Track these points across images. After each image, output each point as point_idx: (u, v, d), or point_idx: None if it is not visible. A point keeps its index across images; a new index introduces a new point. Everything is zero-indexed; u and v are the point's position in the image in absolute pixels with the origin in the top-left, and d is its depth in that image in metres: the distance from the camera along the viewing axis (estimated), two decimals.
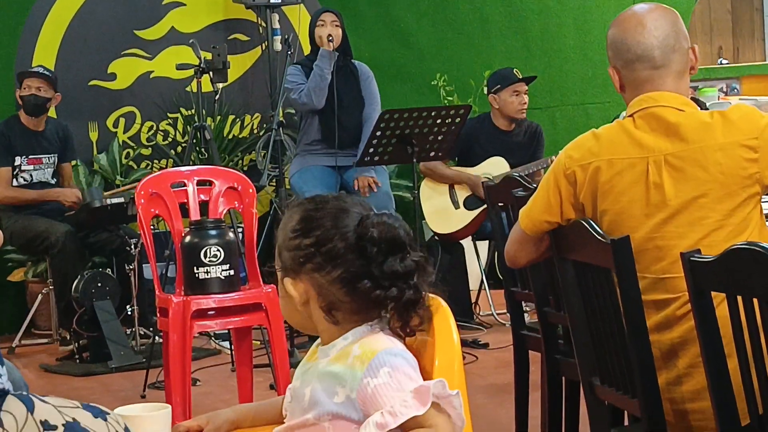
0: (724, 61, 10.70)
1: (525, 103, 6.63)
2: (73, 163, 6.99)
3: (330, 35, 6.36)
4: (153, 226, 6.16)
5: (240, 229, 5.38)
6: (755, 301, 2.26)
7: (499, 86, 6.62)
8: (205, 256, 4.49)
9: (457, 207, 6.66)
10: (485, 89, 6.94)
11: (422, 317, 2.01)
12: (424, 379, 1.95)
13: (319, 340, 2.09)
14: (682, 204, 2.80)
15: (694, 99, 6.26)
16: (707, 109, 5.13)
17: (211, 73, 6.07)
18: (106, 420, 1.80)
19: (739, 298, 2.31)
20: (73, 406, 1.80)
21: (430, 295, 2.04)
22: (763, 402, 2.33)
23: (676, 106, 2.85)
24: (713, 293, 2.41)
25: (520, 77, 6.61)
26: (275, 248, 2.07)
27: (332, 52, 6.36)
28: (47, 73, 6.64)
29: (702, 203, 2.78)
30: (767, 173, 2.77)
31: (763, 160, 2.77)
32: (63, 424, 1.76)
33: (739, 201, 2.78)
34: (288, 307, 2.07)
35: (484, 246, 6.95)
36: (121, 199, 6.31)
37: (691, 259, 2.39)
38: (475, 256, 6.80)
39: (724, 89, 9.48)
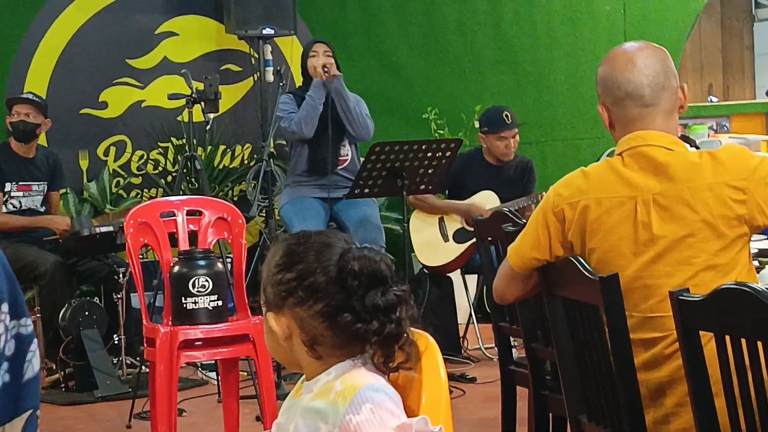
0: (714, 99, 10.76)
1: (511, 148, 6.63)
2: (63, 191, 6.98)
3: (325, 65, 6.34)
4: (142, 255, 6.15)
5: (229, 260, 5.37)
6: (743, 340, 2.26)
7: (486, 129, 6.63)
8: (194, 287, 4.48)
9: (446, 240, 6.66)
10: (476, 123, 6.95)
11: (409, 354, 2.00)
12: (410, 417, 1.95)
13: (304, 376, 2.08)
14: (670, 243, 2.80)
15: (683, 136, 6.28)
16: (697, 146, 5.15)
17: (202, 103, 6.07)
18: None
19: (728, 337, 2.31)
20: None
21: (418, 331, 2.03)
22: None
23: (665, 146, 2.86)
24: (701, 332, 2.41)
25: (509, 122, 6.59)
26: (262, 283, 2.07)
27: (326, 82, 6.34)
28: (36, 99, 6.63)
29: (690, 243, 2.79)
30: (756, 215, 2.78)
31: (751, 202, 2.77)
32: None
33: (727, 241, 2.78)
34: (272, 343, 2.07)
35: (472, 279, 6.95)
36: (110, 228, 6.30)
37: (680, 298, 2.39)
38: (464, 289, 6.79)
39: (714, 127, 9.52)
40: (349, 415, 1.91)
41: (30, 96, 6.67)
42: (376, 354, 1.99)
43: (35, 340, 1.83)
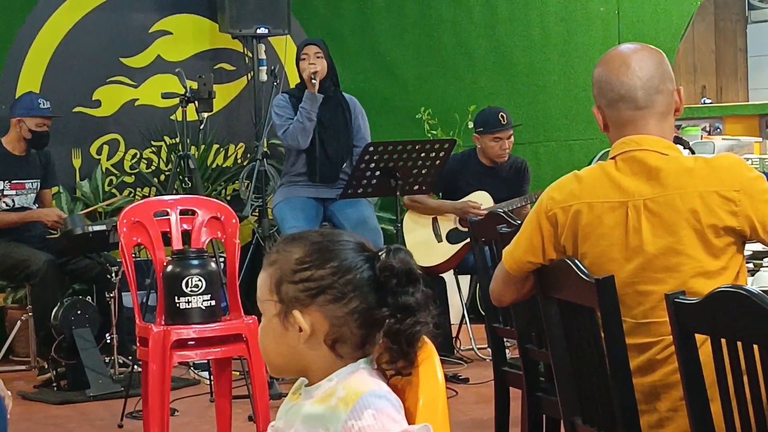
0: (708, 101, 10.76)
1: (506, 149, 6.61)
2: (55, 189, 6.97)
3: (313, 75, 6.26)
4: (134, 254, 6.13)
5: (222, 259, 5.36)
6: (739, 344, 2.26)
7: (482, 129, 6.62)
8: (187, 286, 4.48)
9: (439, 240, 6.66)
10: (470, 124, 6.93)
11: (413, 359, 2.00)
12: (408, 420, 1.94)
13: (301, 379, 2.05)
14: (658, 250, 2.78)
15: (677, 138, 6.27)
16: (690, 147, 5.14)
17: (196, 102, 6.06)
18: None
19: (723, 340, 2.30)
20: None
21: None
22: None
23: (659, 150, 2.84)
24: (696, 335, 2.40)
25: (504, 123, 6.58)
26: (275, 281, 2.00)
27: (316, 94, 6.26)
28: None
29: (678, 250, 2.77)
30: (746, 228, 2.75)
31: (742, 215, 2.74)
32: None
33: (714, 250, 2.76)
34: (277, 344, 2.02)
35: (465, 280, 6.95)
36: (103, 227, 6.29)
37: (676, 300, 2.39)
38: (457, 290, 6.79)
39: (707, 129, 9.52)
40: (351, 421, 1.89)
41: (49, 111, 6.67)
42: (382, 355, 1.98)
43: None
